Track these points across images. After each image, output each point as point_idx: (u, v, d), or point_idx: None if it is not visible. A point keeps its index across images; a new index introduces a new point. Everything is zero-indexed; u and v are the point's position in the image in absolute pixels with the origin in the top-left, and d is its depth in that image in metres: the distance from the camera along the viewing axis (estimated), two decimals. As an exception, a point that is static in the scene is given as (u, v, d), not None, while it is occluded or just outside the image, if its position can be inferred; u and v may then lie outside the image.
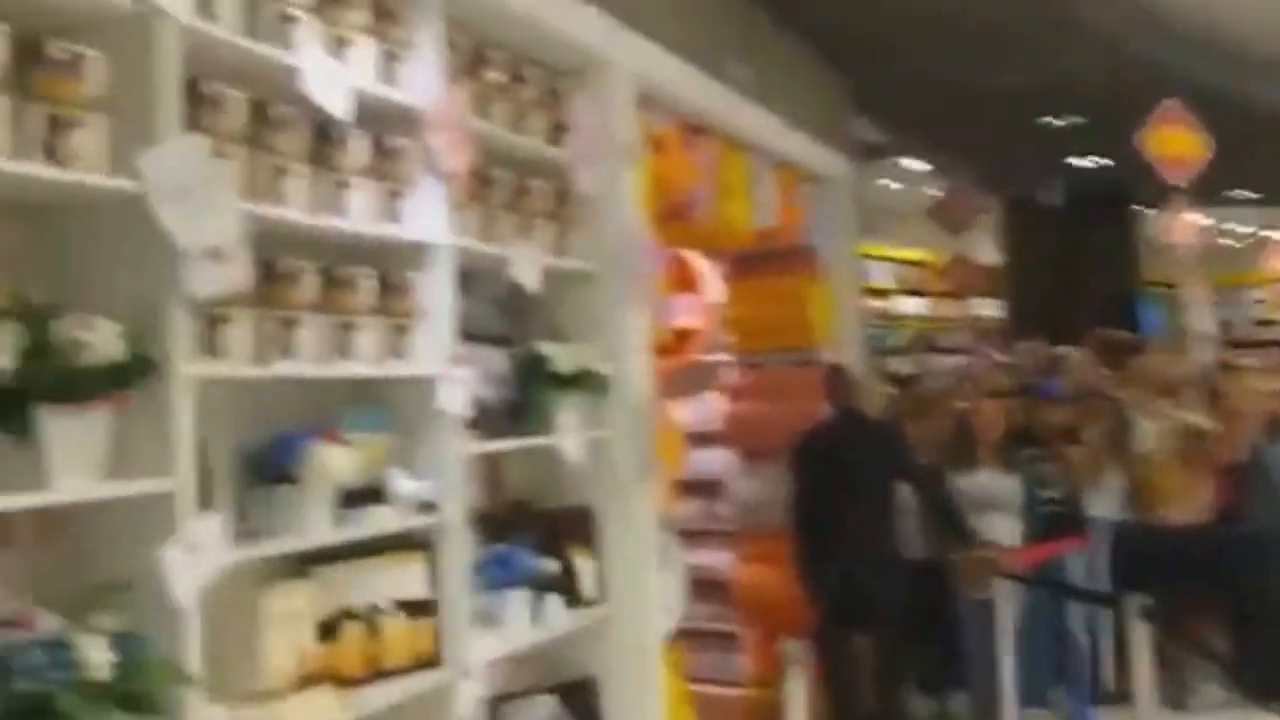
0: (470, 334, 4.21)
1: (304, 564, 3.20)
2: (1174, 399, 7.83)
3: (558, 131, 4.44)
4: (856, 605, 6.15)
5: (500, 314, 4.51)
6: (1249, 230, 19.72)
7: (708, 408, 8.36)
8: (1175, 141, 7.60)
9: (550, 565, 4.27)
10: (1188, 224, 7.78)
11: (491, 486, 4.46)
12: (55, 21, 2.45)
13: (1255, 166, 12.70)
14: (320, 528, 3.11)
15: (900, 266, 17.01)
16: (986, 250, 13.49)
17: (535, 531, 4.35)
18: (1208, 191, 13.94)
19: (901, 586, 6.22)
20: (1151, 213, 11.11)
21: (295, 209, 3.06)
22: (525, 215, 4.24)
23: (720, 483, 8.00)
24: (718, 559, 8.05)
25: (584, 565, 4.46)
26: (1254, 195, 15.15)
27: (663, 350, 8.40)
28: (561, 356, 4.27)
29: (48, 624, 2.18)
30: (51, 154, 2.33)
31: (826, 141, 7.76)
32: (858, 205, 8.57)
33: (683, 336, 8.35)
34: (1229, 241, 20.75)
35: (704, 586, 8.12)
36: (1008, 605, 6.15)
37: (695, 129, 5.70)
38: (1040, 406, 7.27)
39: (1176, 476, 7.33)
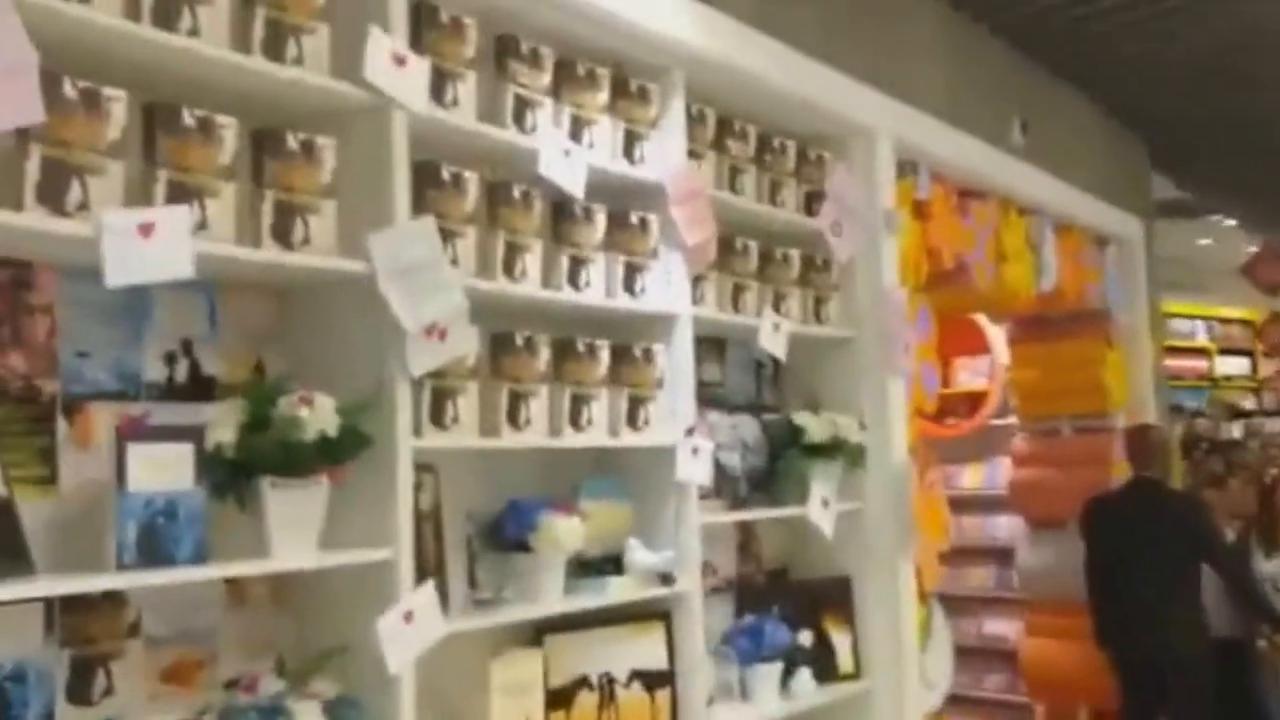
0: (724, 402, 4.23)
1: (539, 633, 3.26)
2: None
3: (814, 200, 4.42)
4: (1155, 681, 5.79)
5: (756, 382, 4.51)
6: None
7: (997, 473, 8.10)
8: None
9: (804, 637, 4.20)
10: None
11: (747, 556, 4.44)
12: (291, 114, 2.63)
13: None
14: (552, 596, 3.16)
15: (1219, 324, 16.03)
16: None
17: (791, 602, 4.29)
18: None
19: (1203, 664, 5.80)
20: None
21: (529, 284, 3.16)
22: (777, 284, 4.22)
23: (1009, 550, 7.73)
24: (1008, 628, 7.78)
25: (840, 637, 4.36)
26: None
27: (951, 414, 8.29)
28: (814, 425, 4.21)
29: (270, 686, 2.31)
30: (285, 238, 2.49)
31: (1118, 202, 7.42)
32: (1157, 265, 8.12)
33: (974, 400, 8.14)
34: None
35: (995, 656, 7.88)
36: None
37: (970, 193, 5.56)
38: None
39: None
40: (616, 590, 3.35)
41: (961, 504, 8.30)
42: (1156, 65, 6.78)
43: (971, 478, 8.28)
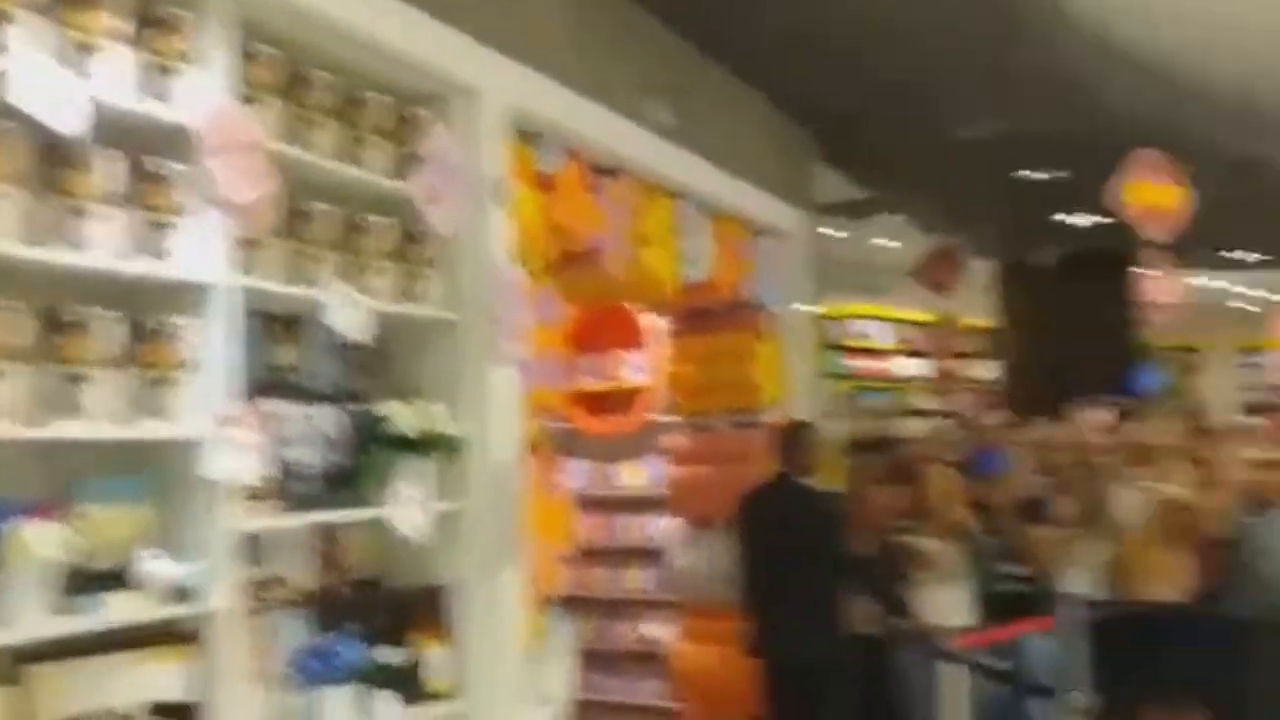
0: (299, 390, 3.72)
1: (17, 664, 2.68)
2: (1154, 468, 7.29)
3: (411, 164, 3.96)
4: (803, 686, 5.64)
5: (345, 368, 4.01)
6: (1260, 294, 19.12)
7: (658, 471, 7.87)
8: (1152, 193, 7.07)
9: (387, 655, 3.74)
10: (1170, 283, 7.24)
11: (331, 566, 3.94)
12: None
13: (1265, 228, 12.18)
14: (31, 619, 2.60)
15: (901, 326, 16.52)
16: (977, 311, 12.97)
17: (378, 616, 3.83)
18: (1214, 252, 13.42)
19: (850, 667, 5.70)
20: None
21: (3, 240, 2.58)
22: (362, 256, 3.75)
23: (663, 551, 7.52)
24: (665, 632, 7.55)
25: (432, 653, 3.93)
26: (1264, 257, 14.58)
27: (611, 410, 8.03)
28: (402, 415, 3.76)
29: None
30: None
31: (781, 194, 7.30)
32: (840, 267, 8.10)
33: (635, 395, 7.89)
34: (1243, 305, 20.16)
35: (651, 661, 7.64)
36: (955, 687, 5.61)
37: (606, 171, 5.24)
38: (993, 482, 6.72)
39: (1156, 552, 6.77)
40: (117, 609, 2.80)
41: (621, 504, 8.06)
42: (816, 54, 6.66)
43: (631, 476, 8.03)
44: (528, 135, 4.54)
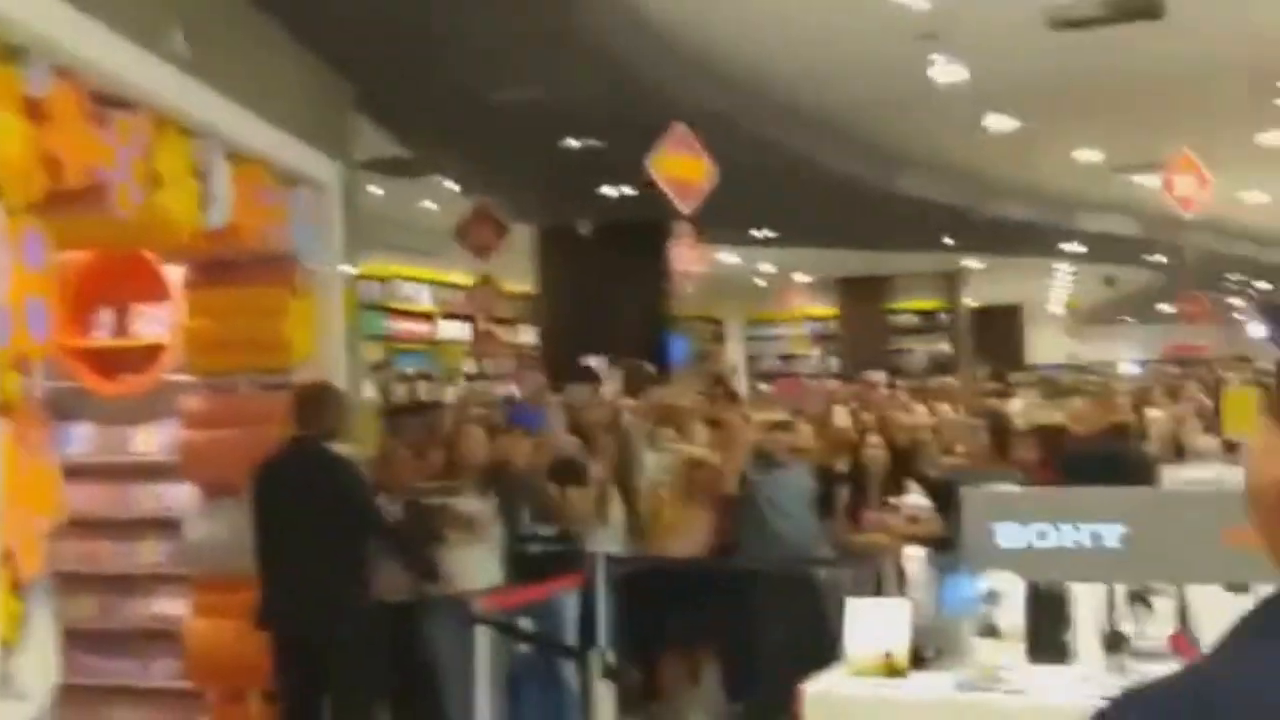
0: None
1: None
2: (679, 429, 7.60)
3: None
4: (316, 661, 5.39)
5: None
6: (774, 270, 20.60)
7: (171, 435, 7.28)
8: (681, 166, 7.34)
9: None
10: (695, 252, 7.56)
11: None
12: None
13: (778, 206, 13.03)
14: None
15: (443, 289, 16.44)
16: (518, 276, 13.12)
17: None
18: (736, 229, 14.26)
19: (369, 639, 5.50)
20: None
21: None
22: None
23: (177, 521, 6.97)
24: (176, 608, 7.01)
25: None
26: (774, 234, 15.67)
27: (125, 368, 7.37)
28: None
29: None
30: None
31: (316, 143, 6.94)
32: (383, 226, 7.81)
33: (153, 352, 7.26)
34: (760, 281, 21.68)
35: (165, 640, 7.08)
36: (485, 652, 5.55)
37: (113, 100, 4.73)
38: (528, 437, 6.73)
39: (678, 509, 7.05)
40: None
41: (134, 471, 7.42)
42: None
43: (145, 441, 7.40)
44: (9, 51, 3.98)
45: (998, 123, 11.01)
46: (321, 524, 5.39)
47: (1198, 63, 9.76)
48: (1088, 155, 13.40)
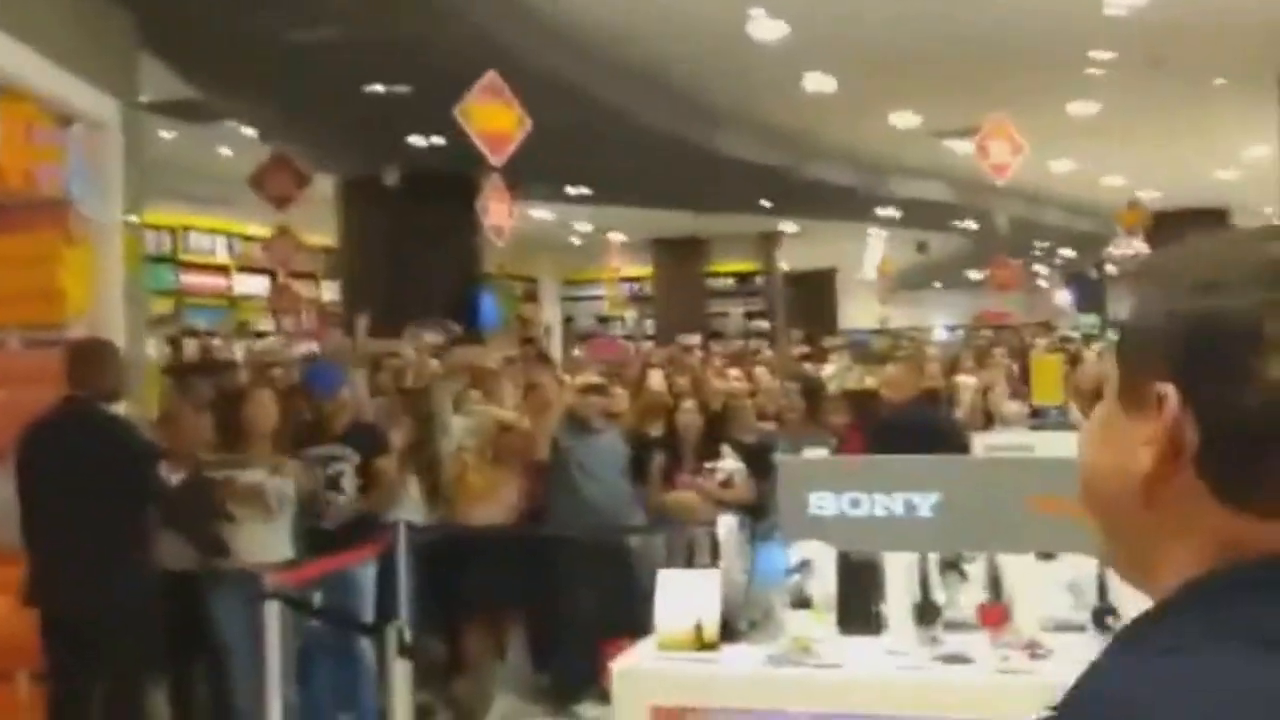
0: None
1: None
2: (486, 392, 7.32)
3: None
4: (88, 636, 4.97)
5: None
6: (590, 229, 20.39)
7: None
8: (492, 116, 7.02)
9: None
10: (506, 207, 7.26)
11: None
12: None
13: (594, 163, 12.80)
14: None
15: (240, 241, 15.74)
16: (319, 228, 12.57)
17: None
18: (550, 184, 13.97)
19: (147, 614, 5.10)
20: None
21: None
22: None
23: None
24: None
25: None
26: (589, 192, 15.44)
27: None
28: None
29: None
30: None
31: (95, 80, 6.40)
32: (177, 174, 7.27)
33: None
34: (575, 240, 21.44)
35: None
36: (276, 629, 5.18)
37: None
38: (327, 400, 6.34)
39: (484, 474, 6.78)
40: None
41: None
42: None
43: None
44: None
45: (817, 82, 10.96)
46: (95, 492, 4.96)
47: (1012, 30, 9.86)
48: (905, 119, 13.50)
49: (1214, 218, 21.88)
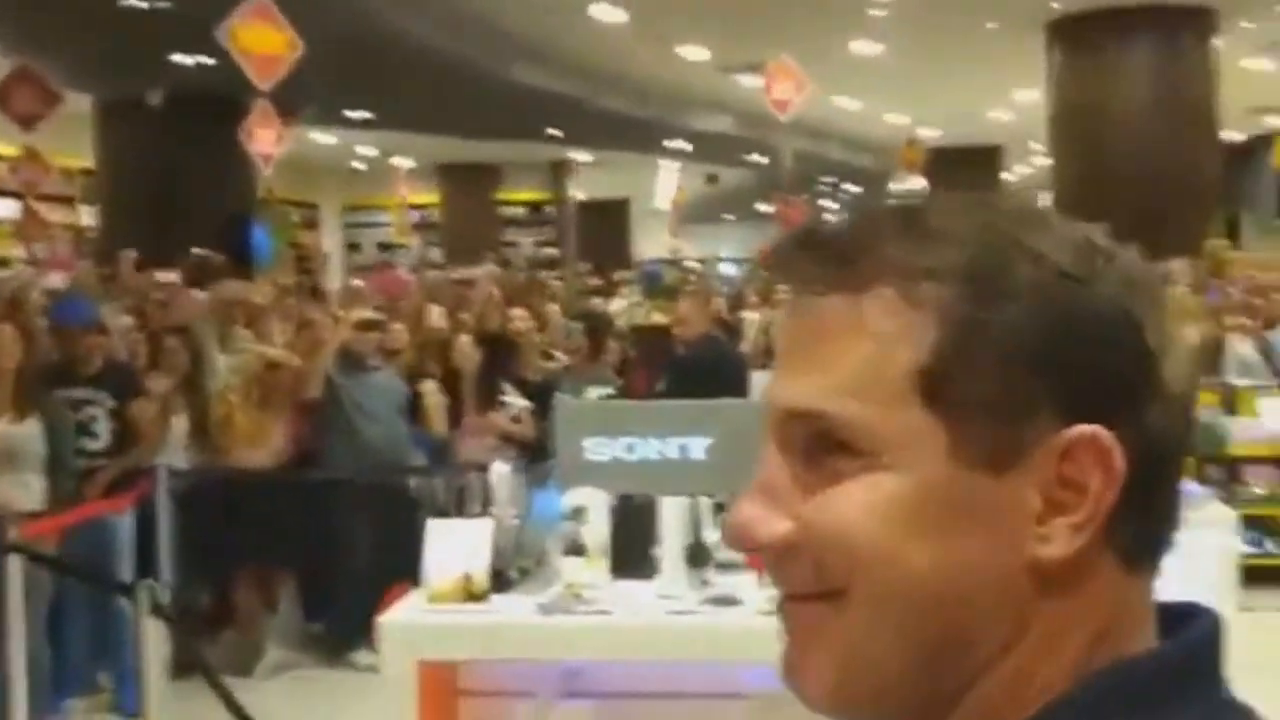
0: None
1: None
2: (255, 329, 6.98)
3: None
4: None
5: None
6: (374, 153, 19.81)
7: None
8: (259, 37, 6.61)
9: None
10: (274, 133, 6.88)
11: None
12: None
13: (376, 87, 12.39)
14: None
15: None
16: (73, 149, 11.78)
17: None
18: (329, 108, 13.47)
19: None
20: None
21: None
22: None
23: None
24: None
25: None
26: (372, 116, 14.97)
27: None
28: None
29: None
30: None
31: None
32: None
33: None
34: (358, 164, 20.79)
35: None
36: (19, 584, 4.85)
37: None
38: (77, 337, 5.91)
39: (251, 415, 6.47)
40: None
41: None
42: None
43: None
44: None
45: (605, 13, 10.81)
46: None
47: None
48: (694, 53, 13.49)
49: (988, 155, 22.74)
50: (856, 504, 0.63)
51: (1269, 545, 7.30)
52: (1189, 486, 5.88)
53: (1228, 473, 7.41)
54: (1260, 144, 24.97)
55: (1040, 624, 0.63)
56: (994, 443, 0.62)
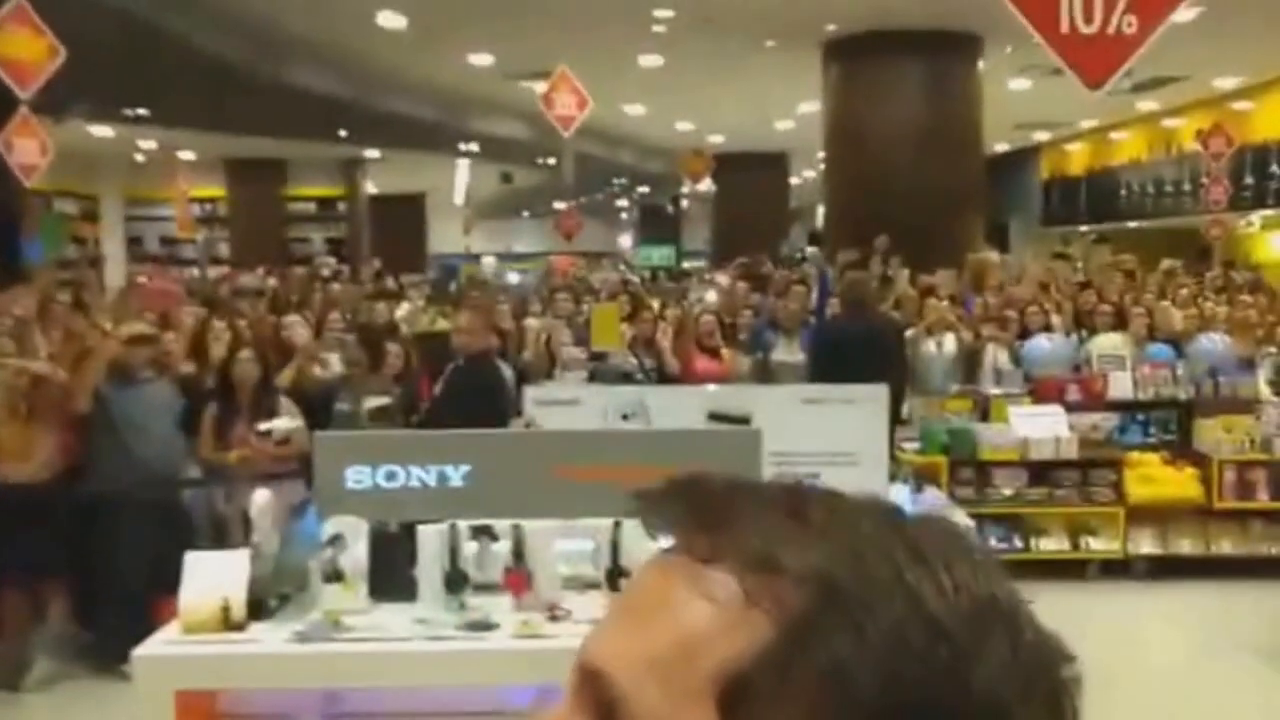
0: None
1: None
2: (19, 342, 6.82)
3: None
4: None
5: None
6: (155, 146, 19.23)
7: None
8: (20, 44, 6.45)
9: None
10: (36, 143, 6.67)
11: None
12: None
13: (154, 87, 12.11)
14: None
15: None
16: None
17: None
18: (105, 106, 13.08)
19: None
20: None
21: None
22: None
23: None
24: None
25: None
26: (147, 113, 14.58)
27: None
28: None
29: None
30: None
31: None
32: None
33: None
34: (140, 157, 20.12)
35: None
36: None
37: None
38: None
39: (16, 429, 6.33)
40: None
41: None
42: None
43: None
44: None
45: (388, 19, 10.83)
46: None
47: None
48: (479, 59, 13.58)
49: (774, 159, 23.44)
50: None
51: (1016, 541, 7.81)
52: (930, 497, 6.29)
53: (978, 475, 7.84)
54: (1027, 156, 26.48)
55: None
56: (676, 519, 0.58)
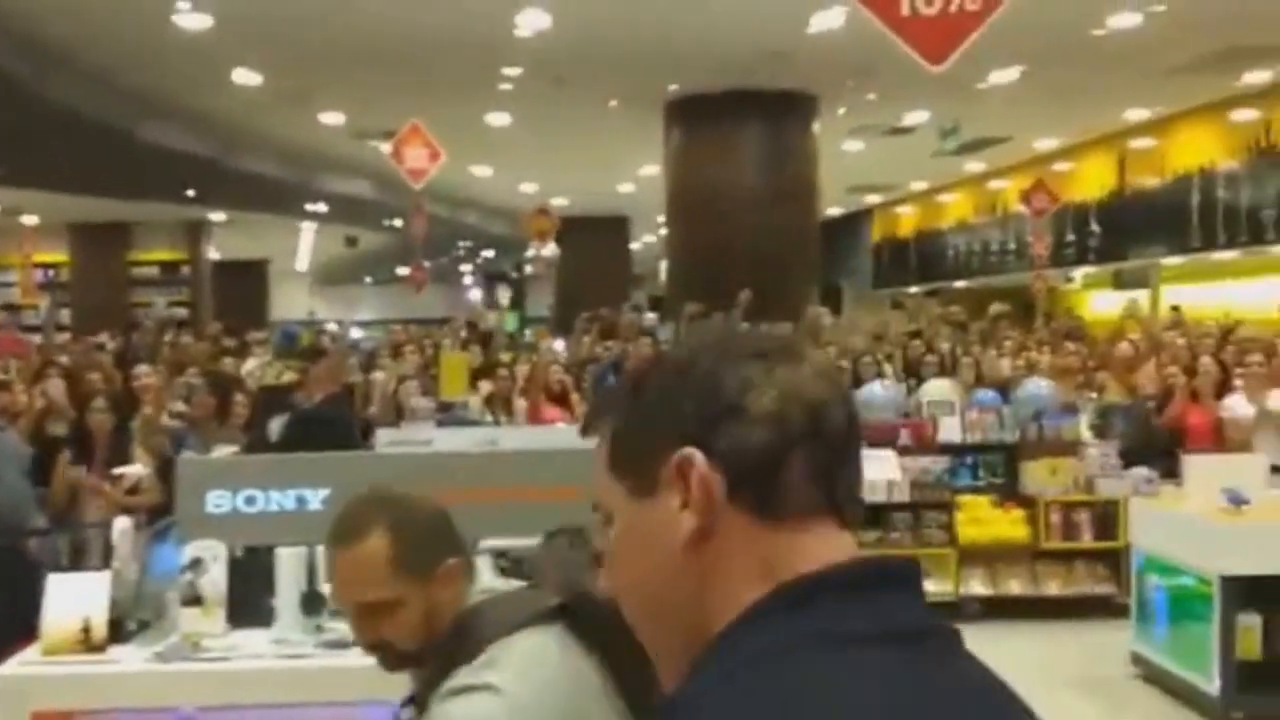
0: None
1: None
2: None
3: None
4: None
5: None
6: (-1, 210, 18.73)
7: None
8: None
9: None
10: None
11: None
12: None
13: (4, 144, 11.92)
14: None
15: None
16: None
17: None
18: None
19: None
20: None
21: None
22: None
23: None
24: None
25: None
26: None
27: None
28: None
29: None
30: None
31: None
32: None
33: None
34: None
35: None
36: None
37: None
38: None
39: None
40: None
41: None
42: None
43: None
44: None
45: (242, 76, 10.89)
46: None
47: (430, 40, 10.27)
48: (331, 118, 13.66)
49: (615, 224, 23.74)
50: (610, 551, 1.04)
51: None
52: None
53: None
54: (859, 219, 27.30)
55: (703, 576, 0.97)
56: (640, 478, 1.00)
